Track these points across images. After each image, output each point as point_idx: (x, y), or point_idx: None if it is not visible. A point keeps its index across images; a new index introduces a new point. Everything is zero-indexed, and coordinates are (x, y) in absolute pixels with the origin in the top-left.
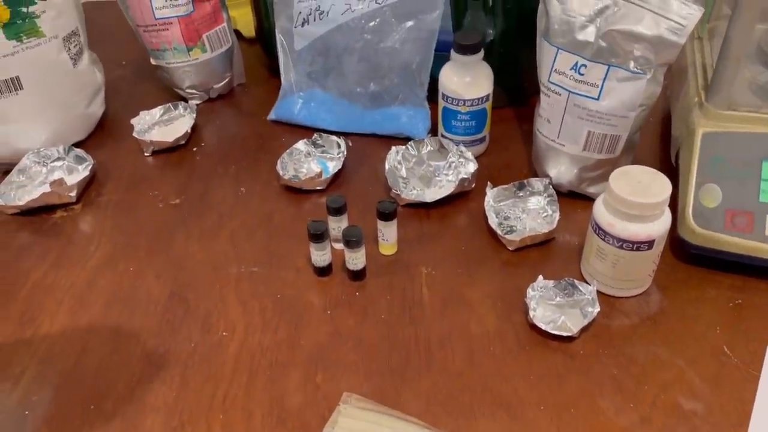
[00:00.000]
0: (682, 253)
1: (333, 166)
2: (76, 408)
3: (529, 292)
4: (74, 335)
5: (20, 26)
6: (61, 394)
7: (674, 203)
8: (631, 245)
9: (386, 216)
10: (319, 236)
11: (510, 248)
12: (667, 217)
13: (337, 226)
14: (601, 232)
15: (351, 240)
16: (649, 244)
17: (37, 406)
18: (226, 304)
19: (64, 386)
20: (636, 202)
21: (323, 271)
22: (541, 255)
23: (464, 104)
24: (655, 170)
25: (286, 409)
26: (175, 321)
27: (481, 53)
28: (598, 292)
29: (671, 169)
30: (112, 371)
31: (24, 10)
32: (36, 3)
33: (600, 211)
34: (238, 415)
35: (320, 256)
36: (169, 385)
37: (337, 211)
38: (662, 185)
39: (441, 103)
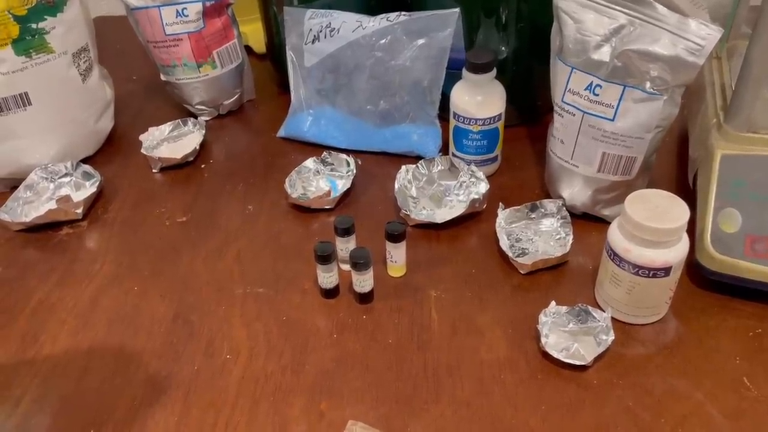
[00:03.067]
0: (700, 279)
1: (342, 185)
2: None
3: (542, 318)
4: (76, 356)
5: (30, 42)
6: (61, 418)
7: (692, 228)
8: (647, 272)
9: (395, 237)
10: (326, 258)
11: (522, 272)
12: (684, 243)
13: (344, 247)
14: (616, 258)
15: (358, 262)
16: (666, 270)
17: (36, 429)
18: (230, 327)
19: (64, 409)
20: (653, 228)
21: (330, 294)
22: (554, 279)
23: (476, 123)
24: (672, 194)
25: None
26: (179, 343)
27: (494, 72)
28: (613, 319)
29: (688, 191)
30: (114, 394)
31: (34, 26)
32: (46, 19)
33: (615, 236)
34: None
35: (327, 278)
36: (170, 410)
37: (345, 232)
38: (680, 210)
39: (452, 122)
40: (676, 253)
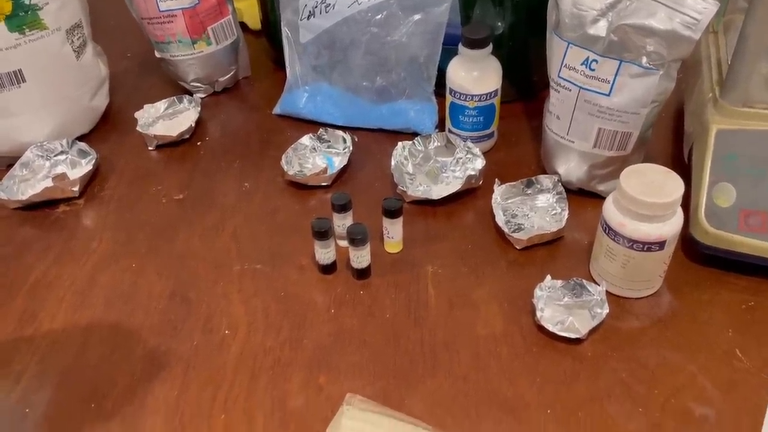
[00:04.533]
0: (694, 253)
1: (338, 162)
2: (76, 406)
3: (537, 292)
4: (75, 333)
5: (23, 18)
6: (61, 393)
7: (686, 202)
8: (641, 246)
9: (392, 213)
10: (323, 234)
11: (517, 247)
12: (679, 217)
13: (341, 223)
14: (611, 232)
15: (356, 238)
16: (661, 244)
17: (37, 404)
18: (228, 303)
19: (64, 384)
20: (647, 202)
21: (327, 269)
22: (549, 254)
23: (472, 99)
24: (667, 169)
25: (288, 411)
26: (177, 320)
27: (490, 47)
28: (608, 293)
29: (683, 166)
30: (113, 370)
31: (26, 2)
32: None
33: (610, 211)
34: (240, 416)
35: (324, 253)
36: (170, 385)
37: (342, 208)
38: (675, 184)
39: (448, 98)
40: (670, 227)
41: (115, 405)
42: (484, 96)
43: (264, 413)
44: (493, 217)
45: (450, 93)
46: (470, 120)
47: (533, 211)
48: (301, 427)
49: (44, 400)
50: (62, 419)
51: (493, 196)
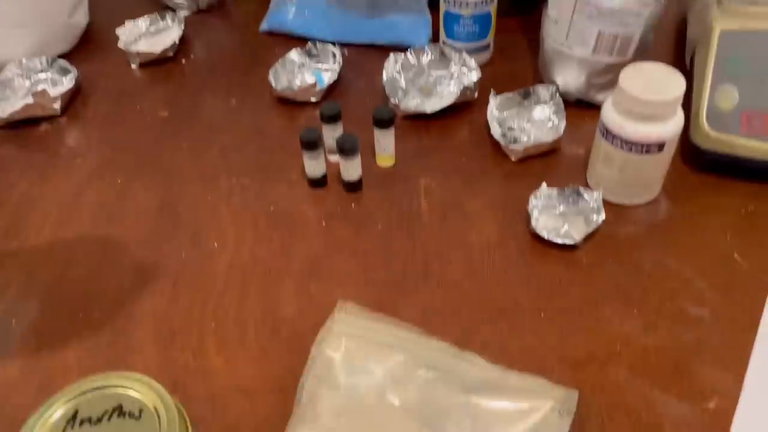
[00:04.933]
0: (694, 160)
1: (328, 77)
2: (63, 317)
3: (532, 200)
4: (61, 247)
5: None
6: (48, 305)
7: (688, 107)
8: (640, 148)
9: (383, 123)
10: (312, 144)
11: (513, 159)
12: (679, 117)
13: (331, 135)
14: (609, 135)
15: (346, 148)
16: (660, 146)
17: (23, 315)
18: (217, 217)
19: (51, 296)
20: (647, 100)
21: (317, 183)
22: (546, 166)
23: (467, 7)
24: (668, 66)
25: (279, 319)
26: (165, 234)
27: None
28: (605, 201)
29: (685, 74)
30: (101, 282)
31: None
32: None
33: (609, 113)
34: (231, 324)
35: (314, 166)
36: (159, 296)
37: (332, 119)
38: (676, 82)
39: (442, 7)
40: (670, 127)
41: (103, 315)
42: (480, 3)
43: (255, 321)
44: (489, 129)
45: (444, 1)
46: (465, 30)
47: (530, 123)
48: (293, 334)
49: (31, 311)
50: (49, 330)
51: (489, 107)
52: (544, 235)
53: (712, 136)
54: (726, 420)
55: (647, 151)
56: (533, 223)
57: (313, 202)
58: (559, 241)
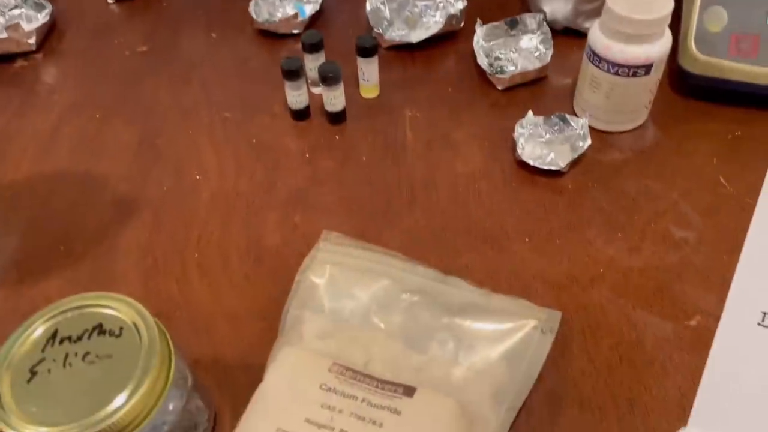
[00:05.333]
0: (681, 86)
1: (310, 8)
2: (44, 250)
3: (518, 129)
4: (41, 182)
5: None
6: (29, 239)
7: (676, 30)
8: (627, 70)
9: (366, 51)
10: (293, 73)
11: (499, 87)
12: (667, 38)
13: (313, 65)
14: (596, 58)
15: (328, 75)
16: (647, 68)
17: (4, 249)
18: (198, 150)
19: (31, 230)
20: (635, 19)
21: (300, 115)
22: (532, 95)
23: None
24: None
25: (263, 248)
26: (146, 166)
27: None
28: (591, 128)
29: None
30: (82, 215)
31: None
32: None
33: (596, 35)
34: (214, 254)
35: (296, 97)
36: (141, 228)
37: (314, 48)
38: (664, 1)
39: None
40: (658, 48)
41: (85, 247)
42: None
43: (239, 251)
44: (475, 59)
45: None
46: None
47: (517, 53)
48: (277, 264)
49: (11, 245)
50: (30, 262)
51: (475, 37)
52: (531, 162)
53: (700, 60)
54: (708, 337)
55: (634, 74)
56: (519, 151)
57: (296, 134)
58: (545, 167)
